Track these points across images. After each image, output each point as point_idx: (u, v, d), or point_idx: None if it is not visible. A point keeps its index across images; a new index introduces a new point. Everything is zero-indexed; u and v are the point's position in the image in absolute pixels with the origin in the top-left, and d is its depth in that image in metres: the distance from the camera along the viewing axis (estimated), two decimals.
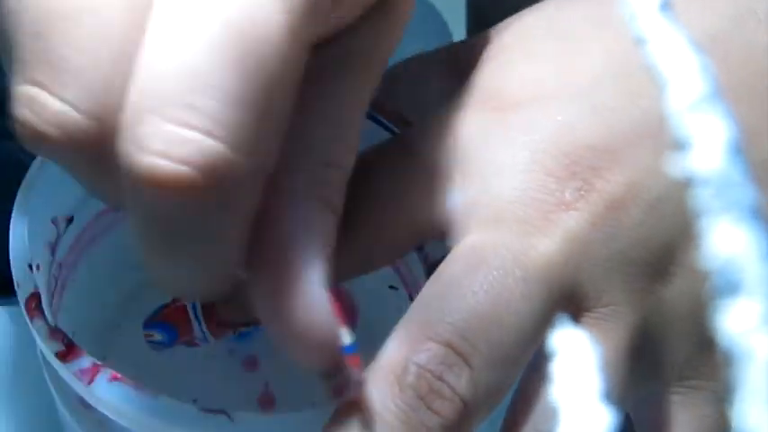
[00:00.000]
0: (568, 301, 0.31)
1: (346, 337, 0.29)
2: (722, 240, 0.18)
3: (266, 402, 0.43)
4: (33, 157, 0.39)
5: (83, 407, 0.35)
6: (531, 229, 0.31)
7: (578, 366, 0.22)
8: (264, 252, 0.28)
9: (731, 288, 0.18)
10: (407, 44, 0.62)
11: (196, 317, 0.37)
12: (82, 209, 0.41)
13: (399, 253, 0.36)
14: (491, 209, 0.32)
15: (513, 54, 0.36)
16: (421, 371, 0.30)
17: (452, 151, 0.33)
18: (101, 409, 0.33)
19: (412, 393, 0.29)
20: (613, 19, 0.33)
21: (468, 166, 0.33)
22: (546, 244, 0.31)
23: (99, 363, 0.33)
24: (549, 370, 0.26)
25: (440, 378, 0.30)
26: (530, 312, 0.30)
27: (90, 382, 0.33)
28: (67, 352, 0.33)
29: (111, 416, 0.33)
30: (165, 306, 0.38)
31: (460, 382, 0.30)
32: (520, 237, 0.31)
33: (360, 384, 0.30)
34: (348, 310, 0.41)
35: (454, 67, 0.37)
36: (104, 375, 0.33)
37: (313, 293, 0.27)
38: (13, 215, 0.37)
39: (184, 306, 0.37)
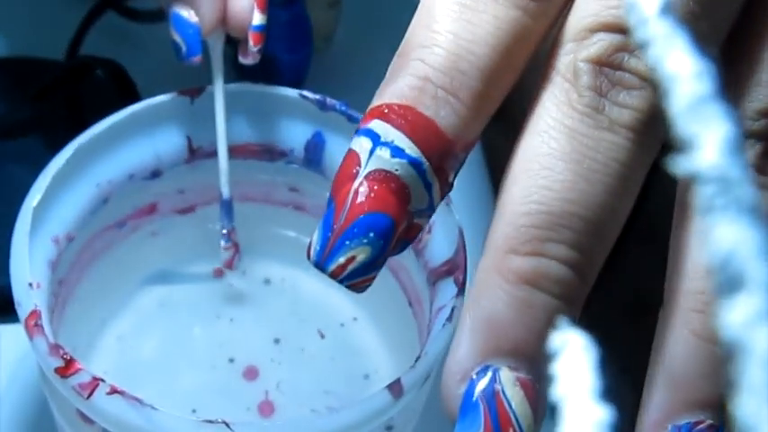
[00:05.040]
0: None
1: (257, 18, 0.42)
2: (723, 237, 0.18)
3: (266, 410, 0.43)
4: (34, 178, 0.39)
5: (82, 421, 0.35)
6: None
7: (577, 366, 0.22)
8: None
9: (732, 284, 0.18)
10: None
11: None
12: (82, 227, 0.42)
13: None
14: None
15: None
16: (595, 67, 0.26)
17: None
18: (101, 422, 0.33)
19: (591, 93, 0.26)
20: None
21: None
22: None
23: (98, 377, 0.33)
24: (551, 371, 0.26)
25: (619, 67, 0.26)
26: None
27: (89, 396, 0.33)
28: (67, 367, 0.33)
29: (111, 429, 0.33)
30: None
31: (640, 65, 0.26)
32: None
33: (255, 54, 0.43)
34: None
35: None
36: (103, 389, 0.33)
37: None
38: (14, 234, 0.37)
39: None
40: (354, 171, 0.27)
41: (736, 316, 0.18)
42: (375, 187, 0.27)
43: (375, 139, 0.27)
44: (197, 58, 0.42)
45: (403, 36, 0.30)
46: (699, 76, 0.19)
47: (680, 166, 0.19)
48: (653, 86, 0.26)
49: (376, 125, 0.27)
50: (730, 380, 0.18)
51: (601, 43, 0.26)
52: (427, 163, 0.27)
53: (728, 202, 0.18)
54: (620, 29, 0.26)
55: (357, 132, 0.27)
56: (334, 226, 0.27)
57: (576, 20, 0.27)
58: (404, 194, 0.27)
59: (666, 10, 0.20)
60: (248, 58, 0.43)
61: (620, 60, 0.26)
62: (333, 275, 0.28)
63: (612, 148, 0.26)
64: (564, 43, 0.27)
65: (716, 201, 0.18)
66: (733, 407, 0.18)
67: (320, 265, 0.28)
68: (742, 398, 0.18)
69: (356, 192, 0.27)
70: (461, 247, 0.39)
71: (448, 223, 0.40)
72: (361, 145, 0.27)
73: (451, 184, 0.28)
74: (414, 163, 0.27)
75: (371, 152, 0.27)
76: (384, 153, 0.26)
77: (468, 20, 0.27)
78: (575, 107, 0.26)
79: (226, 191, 0.44)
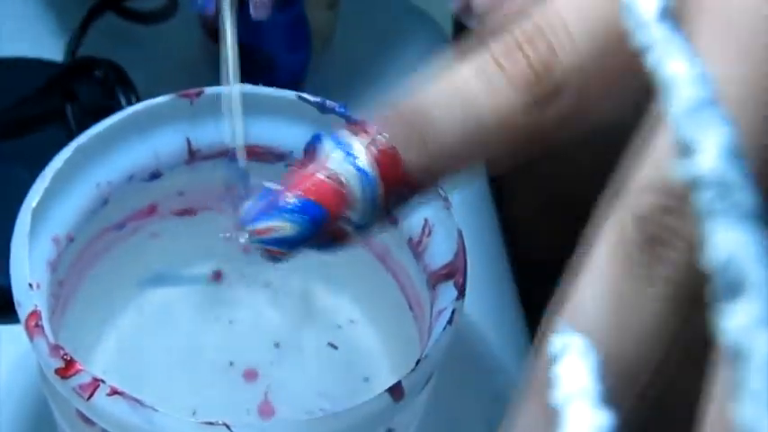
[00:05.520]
0: None
1: None
2: (723, 242, 0.18)
3: (266, 412, 0.44)
4: (34, 178, 0.39)
5: (82, 422, 0.35)
6: None
7: (578, 370, 0.22)
8: None
9: (731, 289, 0.18)
10: (405, 52, 0.63)
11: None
12: (82, 228, 0.42)
13: None
14: None
15: None
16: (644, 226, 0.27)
17: None
18: (101, 423, 0.33)
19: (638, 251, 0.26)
20: None
21: None
22: None
23: (99, 378, 0.33)
24: (550, 375, 0.26)
25: (666, 229, 0.26)
26: None
27: (90, 397, 0.33)
28: (67, 368, 0.33)
29: (111, 430, 0.33)
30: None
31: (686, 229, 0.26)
32: None
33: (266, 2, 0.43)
34: None
35: None
36: (104, 390, 0.33)
37: None
38: (13, 234, 0.37)
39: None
40: (310, 164, 0.29)
41: (735, 321, 0.18)
42: (322, 181, 0.28)
43: (340, 144, 0.29)
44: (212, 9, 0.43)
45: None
46: (698, 80, 0.19)
47: (679, 170, 0.19)
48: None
49: (346, 136, 0.29)
50: (731, 385, 0.18)
51: (651, 205, 0.26)
52: (381, 186, 0.28)
53: (728, 207, 0.18)
54: (671, 193, 0.26)
55: (330, 136, 0.29)
56: (272, 197, 0.29)
57: (632, 178, 0.28)
58: (346, 198, 0.28)
59: (665, 14, 0.20)
60: (261, 11, 0.44)
61: (668, 222, 0.26)
62: (253, 235, 0.29)
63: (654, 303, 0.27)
64: (618, 198, 0.28)
65: (715, 205, 0.19)
66: (733, 411, 0.18)
67: (245, 222, 0.30)
68: (742, 403, 0.18)
69: (304, 177, 0.29)
70: (461, 250, 0.39)
71: (447, 226, 0.40)
72: (325, 146, 0.29)
73: (394, 217, 0.30)
74: (367, 178, 0.28)
75: (331, 154, 0.29)
76: (339, 155, 0.28)
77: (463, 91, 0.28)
78: (622, 262, 0.27)
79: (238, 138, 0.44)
